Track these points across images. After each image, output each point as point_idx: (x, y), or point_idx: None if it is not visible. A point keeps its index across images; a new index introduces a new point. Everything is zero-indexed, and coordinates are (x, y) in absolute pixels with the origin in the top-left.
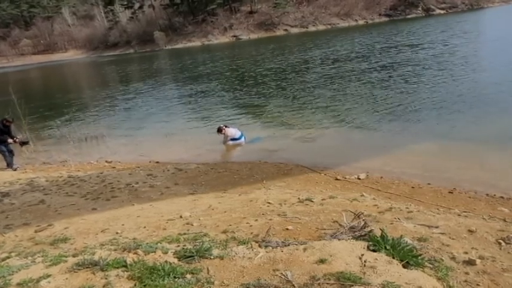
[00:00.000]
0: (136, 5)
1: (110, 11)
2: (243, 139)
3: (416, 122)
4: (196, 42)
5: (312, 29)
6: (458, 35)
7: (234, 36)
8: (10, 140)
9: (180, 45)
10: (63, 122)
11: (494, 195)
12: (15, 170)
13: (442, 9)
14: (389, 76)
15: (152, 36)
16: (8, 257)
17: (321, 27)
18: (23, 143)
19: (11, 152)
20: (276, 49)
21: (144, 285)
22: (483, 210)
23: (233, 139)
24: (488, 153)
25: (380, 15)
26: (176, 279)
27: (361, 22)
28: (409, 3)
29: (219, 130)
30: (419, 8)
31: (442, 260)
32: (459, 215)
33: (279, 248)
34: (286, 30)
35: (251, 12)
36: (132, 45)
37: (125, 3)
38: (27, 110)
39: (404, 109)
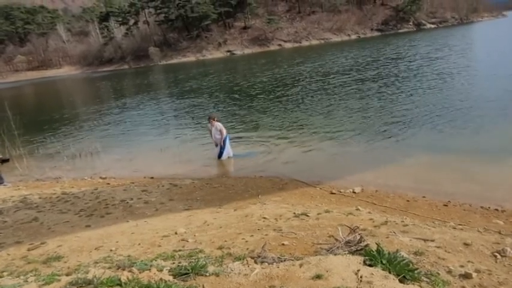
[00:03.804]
0: (131, 21)
1: (104, 27)
2: (228, 142)
3: (408, 134)
4: (190, 58)
5: (305, 43)
6: (447, 48)
7: (229, 51)
8: None
9: (174, 61)
10: (57, 138)
11: (489, 207)
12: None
13: (433, 23)
14: (380, 89)
15: (147, 52)
16: (0, 277)
17: (314, 42)
18: (3, 161)
19: None
20: (269, 64)
21: None
22: (478, 223)
23: (222, 147)
24: (480, 165)
25: (372, 29)
26: None
27: (353, 37)
28: (400, 18)
29: (211, 117)
30: (411, 23)
31: (439, 274)
32: (454, 228)
33: (275, 264)
34: (280, 45)
35: (245, 28)
36: (127, 60)
37: (120, 19)
38: (21, 126)
39: (395, 121)
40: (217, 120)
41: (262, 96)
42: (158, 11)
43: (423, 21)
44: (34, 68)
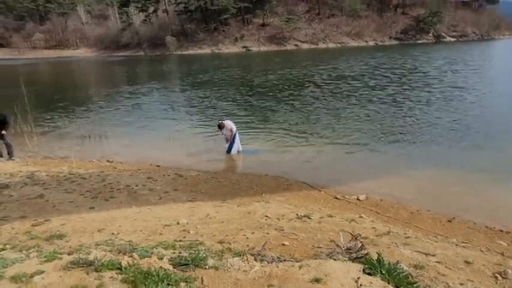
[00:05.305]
0: (151, 9)
1: (124, 12)
2: (237, 137)
3: (416, 146)
4: (206, 50)
5: (322, 46)
6: (463, 63)
7: (245, 47)
8: None
9: (190, 52)
10: (68, 118)
11: (494, 227)
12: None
13: (453, 37)
14: (391, 98)
15: (163, 41)
16: (3, 249)
17: (331, 45)
18: None
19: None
20: (284, 63)
21: None
22: (481, 242)
23: (232, 143)
24: (487, 182)
25: (390, 38)
26: (170, 287)
27: (371, 43)
28: (420, 28)
29: (220, 126)
30: (430, 34)
31: None
32: (457, 244)
33: (274, 263)
34: (296, 45)
35: (263, 25)
36: (143, 47)
37: (140, 6)
38: (34, 103)
39: (404, 132)
40: (225, 119)
41: (272, 95)
42: (178, 1)
43: (443, 34)
44: (51, 47)
